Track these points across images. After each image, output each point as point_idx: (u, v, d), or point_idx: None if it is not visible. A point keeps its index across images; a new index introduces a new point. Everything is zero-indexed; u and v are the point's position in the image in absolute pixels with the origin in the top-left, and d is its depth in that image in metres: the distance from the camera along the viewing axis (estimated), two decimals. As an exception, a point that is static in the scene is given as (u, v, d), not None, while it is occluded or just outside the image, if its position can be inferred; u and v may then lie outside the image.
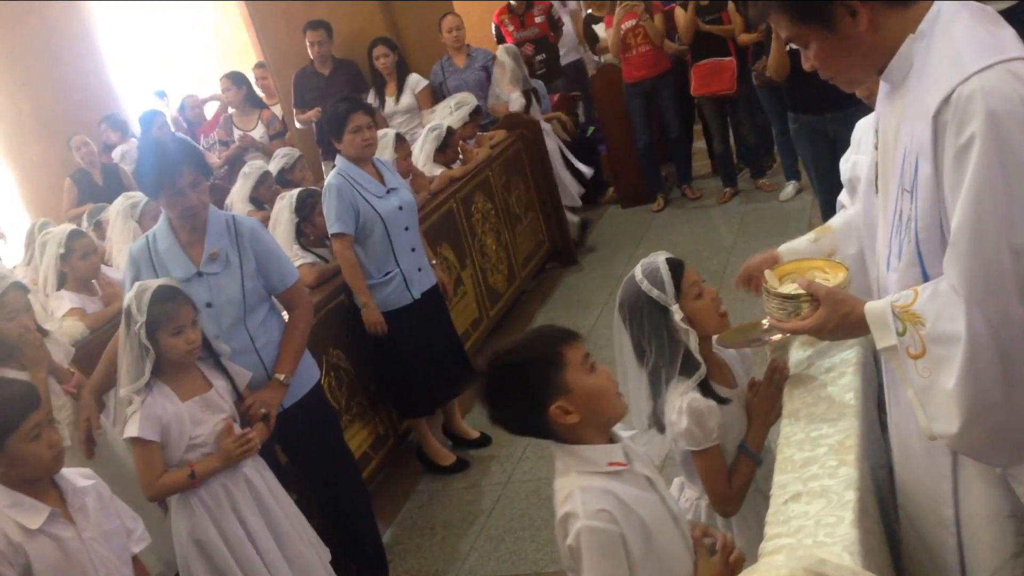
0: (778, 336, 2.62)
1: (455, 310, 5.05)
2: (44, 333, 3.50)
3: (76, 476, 2.53)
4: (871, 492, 2.07)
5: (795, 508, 1.87)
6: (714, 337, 2.54)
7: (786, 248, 2.42)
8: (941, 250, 1.67)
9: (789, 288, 1.96)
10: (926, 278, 1.72)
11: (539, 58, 7.86)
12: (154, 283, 2.97)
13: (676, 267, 2.44)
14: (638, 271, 2.41)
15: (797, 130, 5.35)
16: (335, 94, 5.79)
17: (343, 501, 3.69)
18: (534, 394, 1.89)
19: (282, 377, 3.32)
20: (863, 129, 2.99)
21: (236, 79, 7.19)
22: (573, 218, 7.09)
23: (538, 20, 8.06)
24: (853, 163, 2.97)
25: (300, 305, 3.47)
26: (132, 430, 2.88)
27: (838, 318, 1.82)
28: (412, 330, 4.33)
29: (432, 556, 3.99)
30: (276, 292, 3.40)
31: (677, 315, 2.36)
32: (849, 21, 1.69)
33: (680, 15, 6.96)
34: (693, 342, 2.38)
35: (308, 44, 6.87)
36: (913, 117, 1.69)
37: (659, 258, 2.41)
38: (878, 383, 2.69)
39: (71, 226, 4.58)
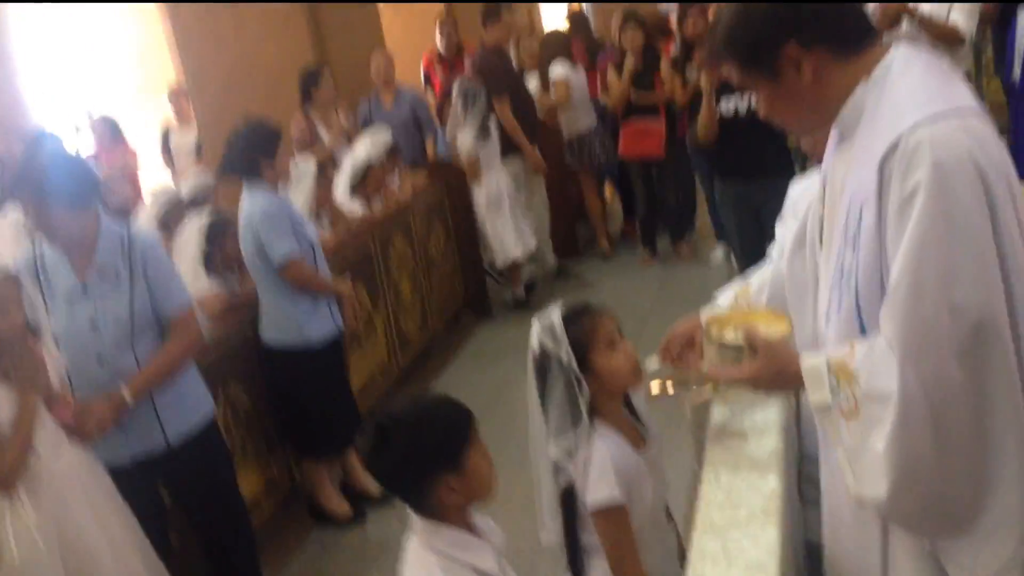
0: (709, 387, 2.52)
1: (364, 352, 4.88)
2: (36, 333, 2.96)
3: None
4: (791, 559, 2.01)
5: (715, 574, 1.80)
6: (644, 386, 2.45)
7: (709, 313, 2.30)
8: (879, 304, 1.60)
9: (731, 337, 1.88)
10: (864, 331, 1.65)
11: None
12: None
13: (583, 315, 2.35)
14: (536, 321, 2.33)
15: (722, 196, 5.35)
16: None
17: (228, 548, 3.45)
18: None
19: (125, 393, 3.03)
20: (799, 192, 2.95)
21: None
22: (551, 261, 7.00)
23: (467, 67, 8.00)
24: (788, 228, 2.92)
25: (184, 334, 3.20)
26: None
27: (774, 370, 1.74)
28: (334, 362, 4.20)
29: (320, 610, 3.77)
30: (163, 315, 3.16)
31: (570, 363, 2.27)
32: (793, 72, 1.66)
33: (613, 81, 6.94)
34: (584, 397, 2.28)
35: (494, 29, 6.72)
36: (860, 165, 1.63)
37: (555, 311, 2.33)
38: (799, 448, 2.63)
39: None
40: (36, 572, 2.71)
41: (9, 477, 2.70)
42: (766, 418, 2.65)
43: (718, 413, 2.73)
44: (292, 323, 4.09)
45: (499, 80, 6.58)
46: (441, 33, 8.06)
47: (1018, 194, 1.59)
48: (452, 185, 6.50)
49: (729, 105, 5.17)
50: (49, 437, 2.81)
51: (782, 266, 2.16)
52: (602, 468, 2.27)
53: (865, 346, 1.60)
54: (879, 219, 1.58)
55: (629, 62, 6.79)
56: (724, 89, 5.16)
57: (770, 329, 1.90)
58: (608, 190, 8.24)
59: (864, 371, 1.58)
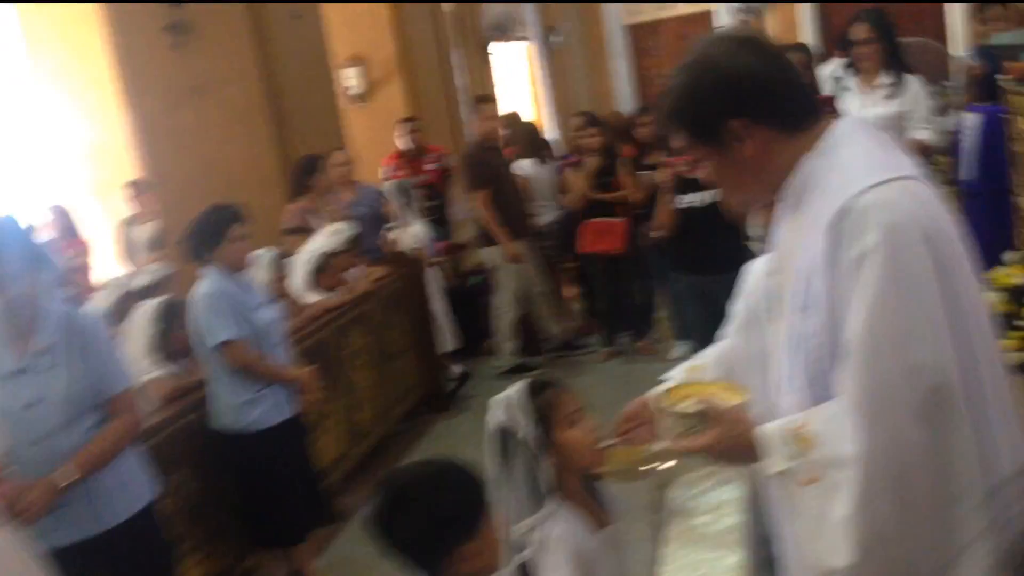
0: (667, 465, 2.48)
1: (319, 442, 4.75)
2: None
3: None
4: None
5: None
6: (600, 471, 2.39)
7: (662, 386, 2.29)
8: (835, 370, 1.58)
9: (686, 405, 1.82)
10: (820, 400, 1.62)
11: (430, 204, 7.84)
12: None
13: (545, 390, 2.29)
14: (496, 399, 2.27)
15: (680, 290, 5.38)
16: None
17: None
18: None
19: (63, 475, 2.89)
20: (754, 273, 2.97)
21: None
22: (456, 368, 6.93)
23: (428, 167, 8.09)
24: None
25: (124, 416, 3.10)
26: None
27: (731, 438, 1.68)
28: (288, 448, 4.08)
29: None
30: (103, 397, 3.06)
31: (533, 438, 2.20)
32: (738, 145, 1.69)
33: (573, 180, 7.02)
34: (546, 474, 2.21)
35: (483, 120, 7.04)
36: (809, 233, 1.64)
37: (517, 386, 2.28)
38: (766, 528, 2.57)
39: None
40: None
41: None
42: (726, 496, 2.61)
43: (676, 493, 2.68)
44: (232, 408, 4.02)
45: (478, 174, 6.84)
46: (403, 134, 8.18)
47: (970, 257, 1.60)
48: (410, 277, 6.48)
49: (686, 200, 5.24)
50: None
51: (732, 341, 2.14)
52: (558, 552, 2.18)
53: (823, 412, 1.57)
54: (829, 284, 1.57)
55: (589, 162, 6.90)
56: (684, 186, 5.23)
57: (727, 399, 1.87)
58: (566, 289, 8.26)
59: (823, 437, 1.55)
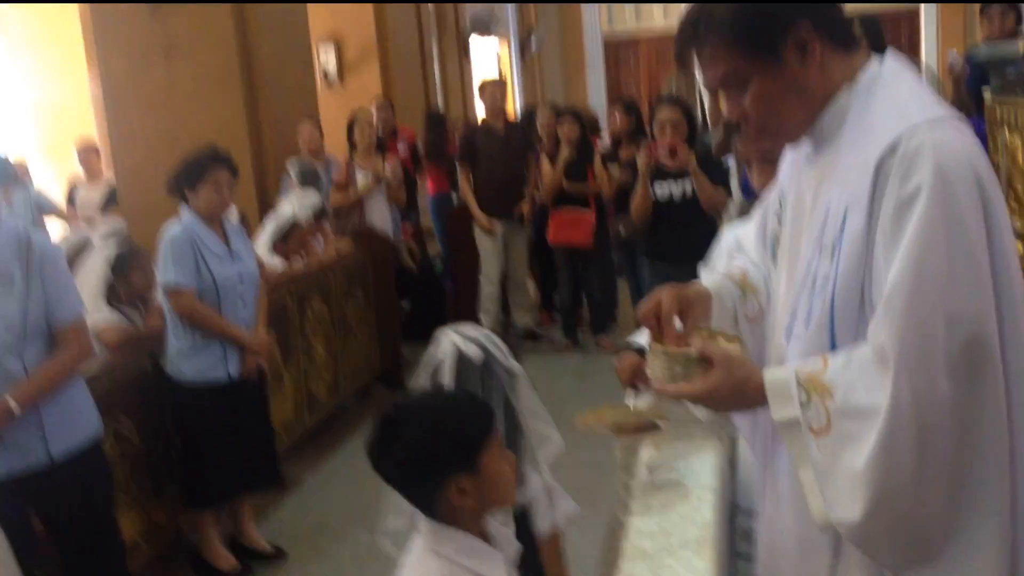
0: (657, 419, 2.38)
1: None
2: None
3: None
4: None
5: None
6: (578, 417, 2.32)
7: (713, 285, 1.92)
8: (856, 314, 1.50)
9: (681, 348, 1.66)
10: (834, 346, 1.53)
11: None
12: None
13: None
14: (463, 335, 2.20)
15: (652, 278, 5.32)
16: (513, 149, 6.95)
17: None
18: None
19: (11, 403, 2.78)
20: (732, 237, 2.85)
21: None
22: None
23: (399, 149, 7.99)
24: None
25: (75, 345, 2.97)
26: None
27: (733, 383, 1.54)
28: (221, 410, 3.90)
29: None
30: (54, 324, 2.92)
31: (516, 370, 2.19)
32: (798, 58, 1.55)
33: (547, 170, 6.98)
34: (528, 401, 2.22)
35: (488, 97, 7.15)
36: (845, 170, 1.54)
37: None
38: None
39: None
40: None
41: None
42: (701, 460, 2.54)
43: (649, 456, 2.60)
44: (173, 355, 3.89)
45: (464, 151, 7.11)
46: (377, 114, 8.08)
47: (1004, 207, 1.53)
48: (376, 253, 6.36)
49: (663, 189, 5.20)
50: None
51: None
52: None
53: (841, 358, 1.48)
54: (868, 222, 1.48)
55: (564, 152, 6.84)
56: (658, 174, 5.19)
57: (722, 344, 1.75)
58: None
59: (840, 385, 1.45)
